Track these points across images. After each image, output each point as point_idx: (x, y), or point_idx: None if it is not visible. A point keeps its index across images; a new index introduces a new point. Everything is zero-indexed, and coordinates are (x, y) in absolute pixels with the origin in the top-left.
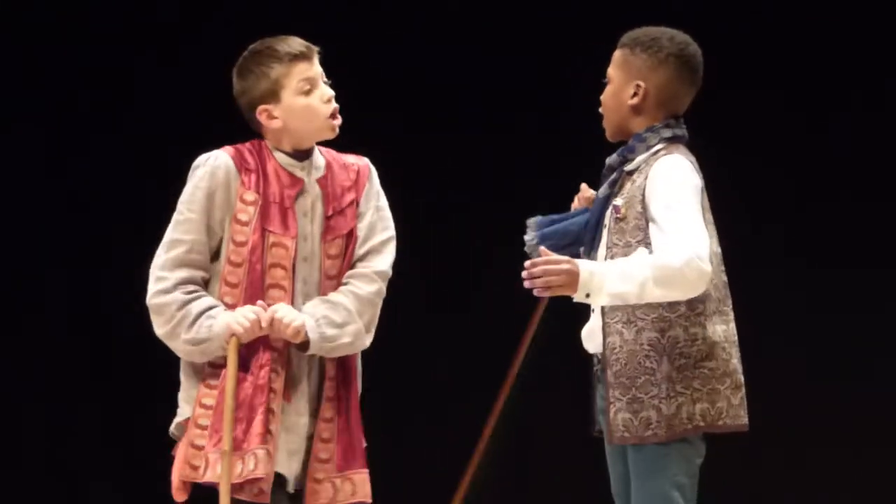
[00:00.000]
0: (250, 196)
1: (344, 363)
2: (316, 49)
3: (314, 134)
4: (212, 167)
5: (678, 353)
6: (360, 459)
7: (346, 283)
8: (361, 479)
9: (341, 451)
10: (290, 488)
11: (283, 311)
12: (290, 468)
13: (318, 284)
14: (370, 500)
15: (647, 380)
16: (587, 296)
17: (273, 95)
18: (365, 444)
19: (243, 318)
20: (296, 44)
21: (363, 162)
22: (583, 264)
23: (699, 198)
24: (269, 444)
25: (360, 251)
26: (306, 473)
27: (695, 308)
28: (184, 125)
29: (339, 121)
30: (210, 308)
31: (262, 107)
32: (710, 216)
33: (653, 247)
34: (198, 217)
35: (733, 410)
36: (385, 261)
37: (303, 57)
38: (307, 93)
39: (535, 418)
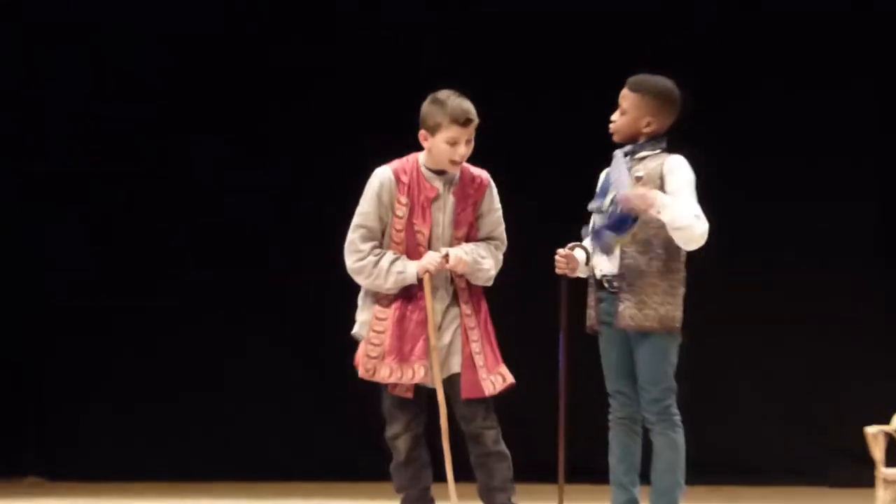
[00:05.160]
0: (403, 199)
1: (472, 294)
2: (476, 121)
3: (442, 166)
4: (380, 177)
5: (672, 277)
6: (498, 358)
7: (486, 241)
8: (504, 370)
9: (487, 352)
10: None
11: (454, 251)
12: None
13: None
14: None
15: (652, 290)
16: (658, 212)
17: (432, 130)
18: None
19: (433, 259)
20: (463, 112)
21: (484, 175)
22: (659, 194)
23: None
24: (424, 360)
25: (482, 235)
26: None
27: (679, 251)
28: None
29: (457, 166)
30: (395, 259)
31: (423, 131)
32: None
33: None
34: (371, 209)
35: (680, 322)
36: (502, 240)
37: (460, 123)
38: (450, 144)
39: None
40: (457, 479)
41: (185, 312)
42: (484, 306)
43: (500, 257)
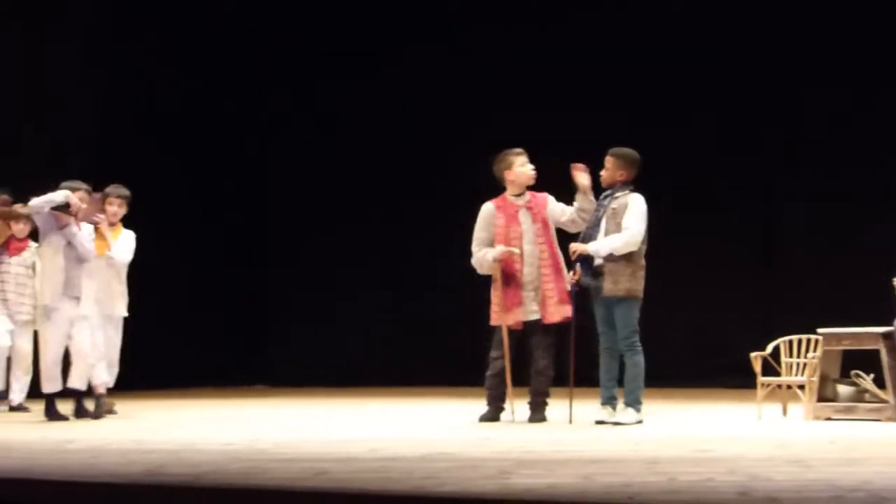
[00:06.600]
0: (500, 218)
1: (550, 256)
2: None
3: (526, 183)
4: (485, 209)
5: (634, 265)
6: (566, 296)
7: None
8: (567, 308)
9: (552, 299)
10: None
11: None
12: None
13: (532, 238)
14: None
15: (623, 272)
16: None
17: (511, 166)
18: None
19: (498, 250)
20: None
21: (544, 194)
22: (590, 245)
23: (646, 214)
24: (512, 311)
25: (561, 219)
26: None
27: (641, 251)
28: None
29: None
30: (485, 252)
31: (505, 172)
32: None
33: (623, 225)
34: (483, 226)
35: (640, 292)
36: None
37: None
38: (521, 165)
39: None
40: (519, 384)
41: (370, 268)
42: (556, 267)
43: (576, 220)
